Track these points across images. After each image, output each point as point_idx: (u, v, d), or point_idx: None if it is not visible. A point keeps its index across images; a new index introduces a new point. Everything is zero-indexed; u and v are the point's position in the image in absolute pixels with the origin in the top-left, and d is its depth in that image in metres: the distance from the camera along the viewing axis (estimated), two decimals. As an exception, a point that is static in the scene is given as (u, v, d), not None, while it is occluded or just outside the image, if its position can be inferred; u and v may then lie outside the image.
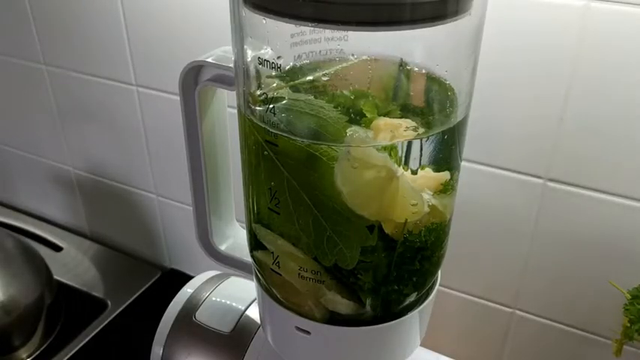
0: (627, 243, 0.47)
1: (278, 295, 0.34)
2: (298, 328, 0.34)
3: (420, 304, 0.35)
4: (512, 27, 0.43)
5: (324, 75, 0.28)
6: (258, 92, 0.27)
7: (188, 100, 0.37)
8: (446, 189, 0.30)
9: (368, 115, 0.27)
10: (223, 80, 0.35)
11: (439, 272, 0.36)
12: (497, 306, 0.56)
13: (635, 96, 0.42)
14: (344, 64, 0.27)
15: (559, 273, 0.52)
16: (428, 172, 0.29)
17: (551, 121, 0.45)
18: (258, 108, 0.27)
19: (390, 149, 0.27)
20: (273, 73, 0.25)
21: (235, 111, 0.31)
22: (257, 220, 0.32)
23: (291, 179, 0.28)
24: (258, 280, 0.36)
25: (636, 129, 0.43)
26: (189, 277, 0.49)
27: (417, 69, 0.28)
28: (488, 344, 0.59)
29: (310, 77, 0.28)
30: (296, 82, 0.27)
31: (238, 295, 0.47)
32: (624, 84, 0.42)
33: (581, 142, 0.45)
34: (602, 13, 0.40)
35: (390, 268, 0.31)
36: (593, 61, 0.42)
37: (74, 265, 0.78)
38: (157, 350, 0.46)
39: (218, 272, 0.50)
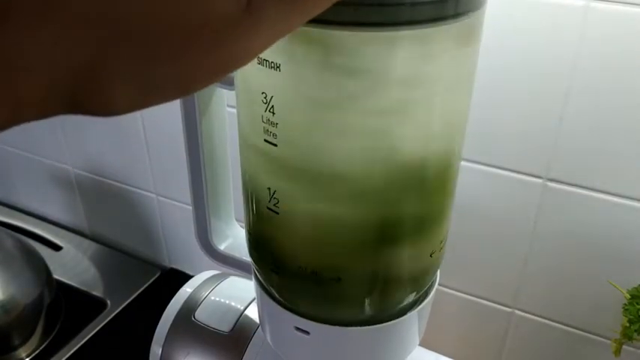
0: (627, 243, 0.47)
1: (277, 295, 0.34)
2: (297, 328, 0.34)
3: (419, 304, 0.35)
4: (512, 26, 0.43)
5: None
6: (258, 92, 0.27)
7: (188, 99, 0.37)
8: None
9: None
10: (223, 80, 0.35)
11: (438, 272, 0.36)
12: (497, 306, 0.56)
13: (635, 96, 0.42)
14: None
15: (558, 273, 0.52)
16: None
17: (551, 121, 0.45)
18: (257, 107, 0.27)
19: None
20: (273, 72, 0.25)
21: (235, 110, 0.31)
22: (256, 220, 0.32)
23: (290, 179, 0.28)
24: (258, 280, 0.36)
25: (636, 129, 0.43)
26: (189, 277, 0.49)
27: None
28: (488, 344, 0.59)
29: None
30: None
31: (237, 295, 0.47)
32: (624, 84, 0.42)
33: (581, 142, 0.45)
34: (602, 13, 0.40)
35: (389, 269, 0.31)
36: (592, 61, 0.42)
37: (74, 264, 0.78)
38: (155, 349, 0.46)
39: (217, 272, 0.50)
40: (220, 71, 0.16)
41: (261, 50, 0.16)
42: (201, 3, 0.14)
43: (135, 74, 0.14)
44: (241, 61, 0.16)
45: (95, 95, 0.14)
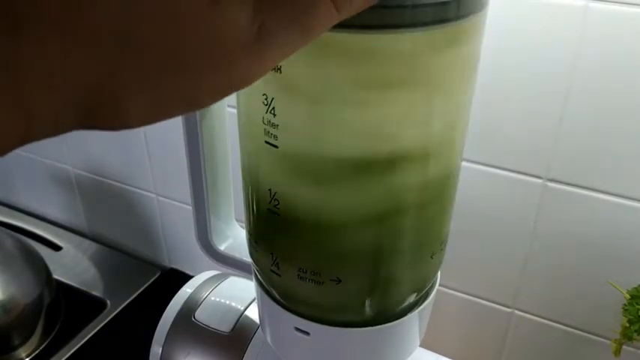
0: (627, 243, 0.47)
1: (277, 296, 0.34)
2: (297, 329, 0.34)
3: (420, 305, 0.35)
4: (512, 27, 0.43)
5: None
6: (259, 93, 0.27)
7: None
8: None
9: None
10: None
11: (439, 272, 0.36)
12: (497, 306, 0.57)
13: (635, 96, 0.42)
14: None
15: (558, 273, 0.52)
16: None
17: (551, 121, 0.45)
18: (258, 109, 0.27)
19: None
20: (274, 74, 0.25)
21: (235, 111, 0.31)
22: (256, 221, 0.32)
23: (291, 180, 0.28)
24: (258, 280, 0.36)
25: (636, 129, 0.43)
26: (189, 277, 0.49)
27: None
28: (488, 344, 0.59)
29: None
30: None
31: (238, 295, 0.47)
32: (624, 84, 0.42)
33: (581, 143, 0.45)
34: (601, 13, 0.40)
35: (389, 270, 0.31)
36: (592, 61, 0.42)
37: (73, 264, 0.78)
38: (155, 350, 0.46)
39: (217, 272, 0.50)
40: (231, 89, 0.16)
41: (271, 67, 0.17)
42: (213, 28, 0.14)
43: (146, 92, 0.15)
44: (251, 80, 0.17)
45: (108, 111, 0.14)
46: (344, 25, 0.21)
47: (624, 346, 0.44)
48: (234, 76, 0.16)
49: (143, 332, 0.49)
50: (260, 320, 0.39)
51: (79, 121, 0.14)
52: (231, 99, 0.33)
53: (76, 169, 0.78)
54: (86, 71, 0.13)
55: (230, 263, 0.43)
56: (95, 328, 0.68)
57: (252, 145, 0.29)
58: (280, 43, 0.16)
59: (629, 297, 0.42)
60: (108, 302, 0.72)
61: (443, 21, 0.23)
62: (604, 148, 0.45)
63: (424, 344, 0.40)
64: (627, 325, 0.42)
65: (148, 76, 0.14)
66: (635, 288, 0.43)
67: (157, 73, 0.14)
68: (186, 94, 0.15)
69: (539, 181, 0.48)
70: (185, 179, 0.41)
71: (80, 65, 0.13)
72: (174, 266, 0.78)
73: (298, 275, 0.31)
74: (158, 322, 0.46)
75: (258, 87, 0.26)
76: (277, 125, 0.26)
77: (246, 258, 0.41)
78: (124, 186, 0.75)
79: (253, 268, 0.36)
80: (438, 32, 0.23)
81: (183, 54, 0.14)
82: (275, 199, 0.29)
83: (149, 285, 0.75)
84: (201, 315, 0.45)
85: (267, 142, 0.27)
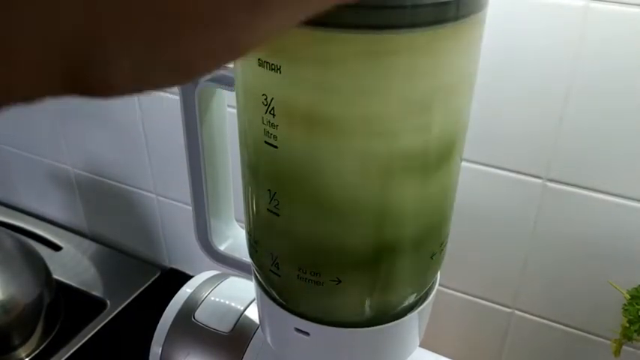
0: (627, 243, 0.47)
1: (277, 297, 0.34)
2: (297, 330, 0.34)
3: (420, 305, 0.35)
4: (512, 27, 0.43)
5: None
6: (259, 93, 0.27)
7: (188, 100, 0.36)
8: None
9: None
10: (223, 80, 0.35)
11: (438, 272, 0.36)
12: (496, 306, 0.57)
13: (636, 96, 0.42)
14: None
15: (558, 273, 0.52)
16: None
17: (551, 121, 0.45)
18: (258, 109, 0.27)
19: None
20: (273, 74, 0.25)
21: (235, 111, 0.31)
22: (256, 221, 0.32)
23: (291, 180, 0.28)
24: (258, 280, 0.36)
25: (636, 129, 0.43)
26: (189, 277, 0.49)
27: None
28: (487, 344, 0.59)
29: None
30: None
31: (237, 295, 0.47)
32: (624, 84, 0.42)
33: (581, 143, 0.45)
34: (601, 13, 0.40)
35: (389, 271, 0.31)
36: (592, 61, 0.42)
37: (73, 264, 0.78)
38: (155, 350, 0.46)
39: (217, 272, 0.50)
40: (224, 55, 0.16)
41: (267, 36, 0.16)
42: None
43: (134, 50, 0.14)
44: (246, 45, 0.16)
45: (92, 70, 0.14)
46: (344, 25, 0.21)
47: (624, 346, 0.44)
48: (228, 38, 0.15)
49: (143, 332, 0.49)
50: (260, 320, 0.39)
51: (65, 83, 0.14)
52: (231, 99, 0.34)
53: (76, 169, 0.78)
54: (65, 27, 0.13)
55: (230, 263, 0.43)
56: (95, 328, 0.68)
57: (252, 145, 0.29)
58: (277, 5, 0.16)
59: (629, 297, 0.42)
60: (108, 302, 0.72)
61: (443, 21, 0.23)
62: (604, 148, 0.45)
63: (424, 344, 0.40)
64: (627, 325, 0.42)
65: (135, 36, 0.14)
66: (635, 288, 0.43)
67: (146, 34, 0.14)
68: (176, 58, 0.15)
69: (539, 181, 0.48)
70: (185, 179, 0.41)
71: (58, 21, 0.13)
72: (174, 266, 0.78)
73: (298, 275, 0.31)
74: (158, 322, 0.46)
75: (258, 87, 0.26)
76: (277, 125, 0.26)
77: (246, 258, 0.41)
78: (124, 186, 0.75)
79: (253, 268, 0.36)
80: (437, 32, 0.23)
81: (176, 15, 0.14)
82: (275, 200, 0.29)
83: (149, 285, 0.75)
84: (201, 315, 0.45)
85: (266, 143, 0.27)
